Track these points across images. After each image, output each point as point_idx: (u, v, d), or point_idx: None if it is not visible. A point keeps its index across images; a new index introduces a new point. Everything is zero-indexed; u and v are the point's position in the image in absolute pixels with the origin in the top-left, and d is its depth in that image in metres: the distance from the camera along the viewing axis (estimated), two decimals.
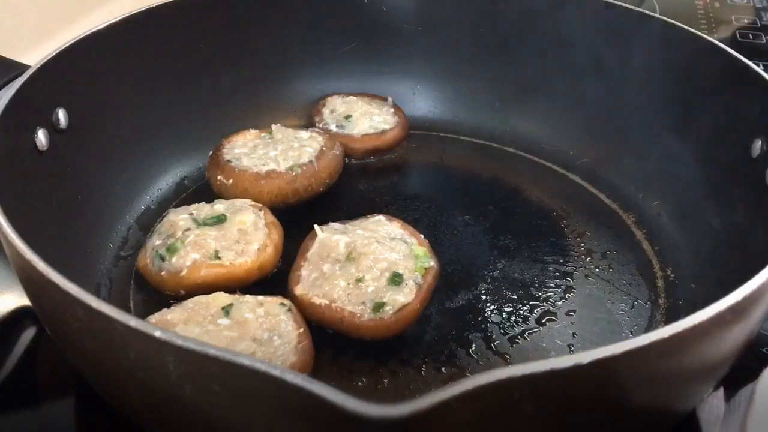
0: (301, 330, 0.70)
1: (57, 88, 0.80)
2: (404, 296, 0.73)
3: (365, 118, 1.03)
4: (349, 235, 0.78)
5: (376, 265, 0.75)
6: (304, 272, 0.76)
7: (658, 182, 0.94)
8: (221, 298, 0.72)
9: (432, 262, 0.79)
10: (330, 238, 0.78)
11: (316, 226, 0.80)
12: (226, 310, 0.70)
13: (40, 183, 0.76)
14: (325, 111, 1.04)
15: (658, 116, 0.94)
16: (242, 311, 0.70)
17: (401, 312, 0.73)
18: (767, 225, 0.74)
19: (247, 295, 0.73)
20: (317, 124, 1.03)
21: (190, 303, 0.72)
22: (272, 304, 0.72)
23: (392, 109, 1.06)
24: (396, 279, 0.74)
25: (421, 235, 0.82)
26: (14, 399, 0.72)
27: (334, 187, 0.95)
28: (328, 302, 0.73)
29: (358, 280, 0.74)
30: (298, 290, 0.74)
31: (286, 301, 0.73)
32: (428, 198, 0.97)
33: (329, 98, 1.07)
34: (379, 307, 0.72)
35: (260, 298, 0.73)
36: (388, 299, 0.73)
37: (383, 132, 1.02)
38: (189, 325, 0.69)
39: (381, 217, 0.83)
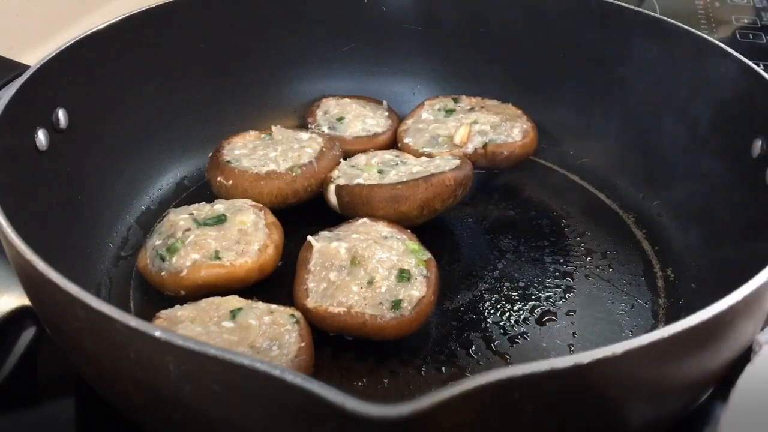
0: (303, 344, 0.69)
1: (57, 88, 0.80)
2: (417, 290, 0.74)
3: (358, 120, 1.02)
4: (346, 241, 0.78)
5: (381, 265, 0.75)
6: (311, 284, 0.75)
7: (658, 182, 0.94)
8: (233, 301, 0.73)
9: (428, 254, 0.79)
10: (328, 246, 0.77)
11: (310, 237, 0.80)
12: (234, 314, 0.70)
13: (40, 183, 0.76)
14: (319, 112, 1.04)
15: (657, 117, 0.94)
16: (248, 317, 0.70)
17: (419, 306, 0.73)
18: (767, 225, 0.74)
19: (260, 302, 0.73)
20: (310, 125, 1.02)
21: (203, 302, 0.72)
22: (282, 313, 0.72)
23: (386, 113, 1.06)
24: (404, 275, 0.75)
25: (408, 230, 0.83)
26: (14, 399, 0.72)
27: None
28: (346, 309, 0.72)
29: (370, 283, 0.74)
30: (311, 303, 0.73)
31: (297, 313, 0.73)
32: None
33: (323, 100, 1.06)
34: (397, 304, 0.72)
35: (273, 306, 0.73)
36: (404, 296, 0.73)
37: (375, 135, 1.01)
38: (194, 323, 0.69)
39: (365, 219, 0.83)
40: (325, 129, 1.01)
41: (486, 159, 0.95)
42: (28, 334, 0.78)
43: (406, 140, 0.98)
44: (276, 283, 0.81)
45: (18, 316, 0.80)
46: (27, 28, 1.15)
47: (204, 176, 0.94)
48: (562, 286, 0.84)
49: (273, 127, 0.96)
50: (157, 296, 0.79)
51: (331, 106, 1.04)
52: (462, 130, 0.95)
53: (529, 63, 1.05)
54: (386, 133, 1.02)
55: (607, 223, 0.94)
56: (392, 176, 0.87)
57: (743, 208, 0.79)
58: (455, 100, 1.04)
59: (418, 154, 0.94)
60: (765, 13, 1.42)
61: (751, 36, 1.34)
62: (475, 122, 0.97)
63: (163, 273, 0.77)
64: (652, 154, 0.96)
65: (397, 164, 0.90)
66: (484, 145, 0.95)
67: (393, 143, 1.01)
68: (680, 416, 0.64)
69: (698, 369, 0.57)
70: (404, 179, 0.84)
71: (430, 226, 0.87)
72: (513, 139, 0.96)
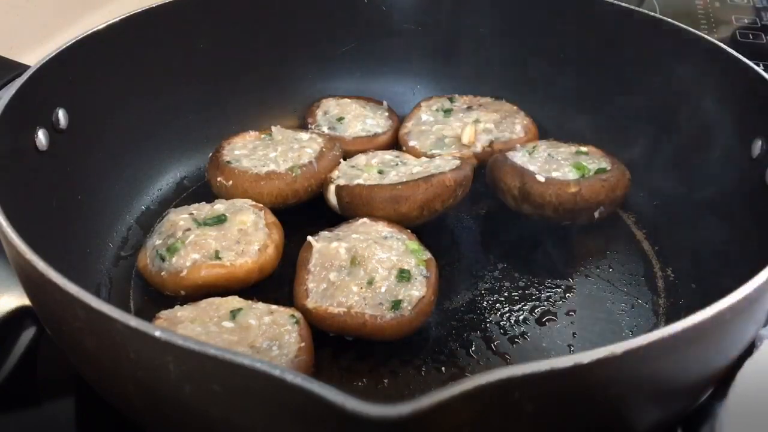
0: (303, 344, 0.69)
1: (57, 88, 0.80)
2: (417, 290, 0.74)
3: (358, 120, 1.02)
4: (346, 241, 0.78)
5: (381, 265, 0.75)
6: (311, 285, 0.75)
7: (658, 182, 0.94)
8: (233, 301, 0.73)
9: (428, 254, 0.79)
10: (328, 246, 0.77)
11: (310, 237, 0.80)
12: (234, 314, 0.71)
13: (40, 183, 0.76)
14: (319, 113, 1.04)
15: (657, 116, 0.94)
16: (248, 317, 0.70)
17: (419, 306, 0.73)
18: (767, 225, 0.74)
19: (260, 303, 0.73)
20: (310, 125, 1.02)
21: (203, 303, 0.73)
22: (282, 314, 0.72)
23: (387, 113, 1.06)
24: (404, 275, 0.75)
25: (408, 230, 0.82)
26: (14, 399, 0.72)
27: None
28: (346, 309, 0.72)
29: (369, 283, 0.74)
30: (311, 303, 0.73)
31: (297, 314, 0.73)
32: None
33: (324, 100, 1.06)
34: (397, 304, 0.72)
35: (273, 307, 0.73)
36: (403, 296, 0.73)
37: (375, 135, 1.01)
38: (194, 323, 0.69)
39: (365, 219, 0.83)
40: (325, 129, 1.01)
41: None
42: (28, 334, 0.78)
43: (412, 143, 0.98)
44: (276, 283, 0.81)
45: (18, 316, 0.80)
46: (27, 28, 1.15)
47: (204, 176, 0.94)
48: (562, 286, 0.84)
49: (273, 128, 0.96)
50: (157, 296, 0.79)
51: (331, 107, 1.04)
52: (469, 129, 0.95)
53: (529, 63, 1.05)
54: (386, 133, 1.02)
55: (607, 223, 0.93)
56: (392, 177, 0.87)
57: (743, 207, 0.79)
58: (450, 100, 1.04)
59: (426, 157, 0.94)
60: (765, 13, 1.42)
61: (751, 36, 1.34)
62: (478, 121, 0.97)
63: (163, 273, 0.77)
64: (652, 154, 0.95)
65: (397, 164, 0.90)
66: (491, 143, 0.95)
67: (393, 143, 1.01)
68: (680, 416, 0.64)
69: (698, 369, 0.57)
70: (404, 180, 0.84)
71: (430, 226, 0.87)
72: (517, 135, 0.96)
